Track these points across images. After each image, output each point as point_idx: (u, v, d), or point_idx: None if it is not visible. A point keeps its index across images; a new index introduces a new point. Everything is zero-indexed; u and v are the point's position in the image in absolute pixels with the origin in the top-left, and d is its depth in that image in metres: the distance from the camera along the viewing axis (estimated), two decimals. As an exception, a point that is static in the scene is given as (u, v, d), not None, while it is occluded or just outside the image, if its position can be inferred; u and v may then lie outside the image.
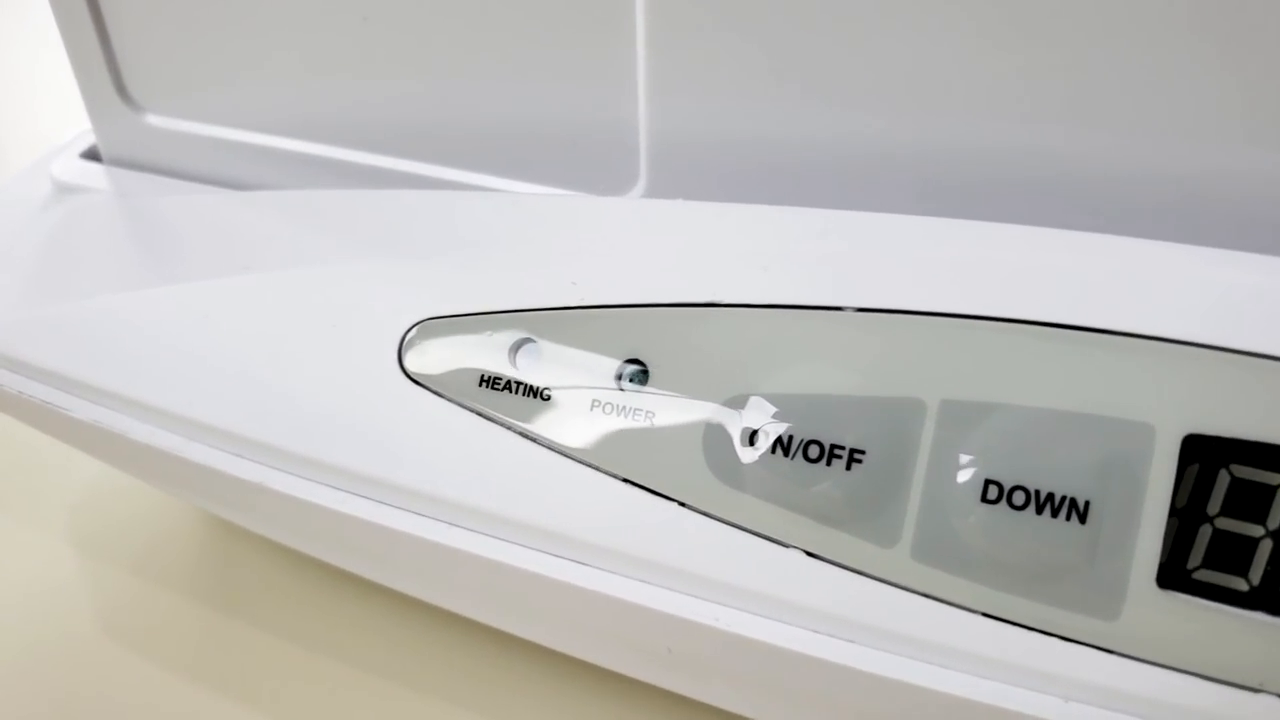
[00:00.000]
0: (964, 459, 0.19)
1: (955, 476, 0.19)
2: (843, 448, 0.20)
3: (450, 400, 0.22)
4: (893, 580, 0.19)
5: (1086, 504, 0.18)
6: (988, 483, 0.19)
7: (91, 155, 0.31)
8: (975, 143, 0.21)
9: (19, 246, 0.29)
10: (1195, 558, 0.18)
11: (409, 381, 0.23)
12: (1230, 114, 0.20)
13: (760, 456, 0.20)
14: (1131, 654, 0.18)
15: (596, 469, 0.21)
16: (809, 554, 0.20)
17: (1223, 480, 0.18)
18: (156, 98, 0.29)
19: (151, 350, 0.25)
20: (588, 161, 0.25)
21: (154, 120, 0.29)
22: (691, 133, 0.24)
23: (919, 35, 0.21)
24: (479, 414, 0.22)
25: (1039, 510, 0.18)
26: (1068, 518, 0.18)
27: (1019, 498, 0.18)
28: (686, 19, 0.22)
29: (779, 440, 0.20)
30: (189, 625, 0.30)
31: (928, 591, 0.19)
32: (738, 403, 0.20)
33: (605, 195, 0.25)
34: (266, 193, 0.27)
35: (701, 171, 0.24)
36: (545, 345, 0.22)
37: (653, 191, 0.25)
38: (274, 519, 0.26)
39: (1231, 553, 0.18)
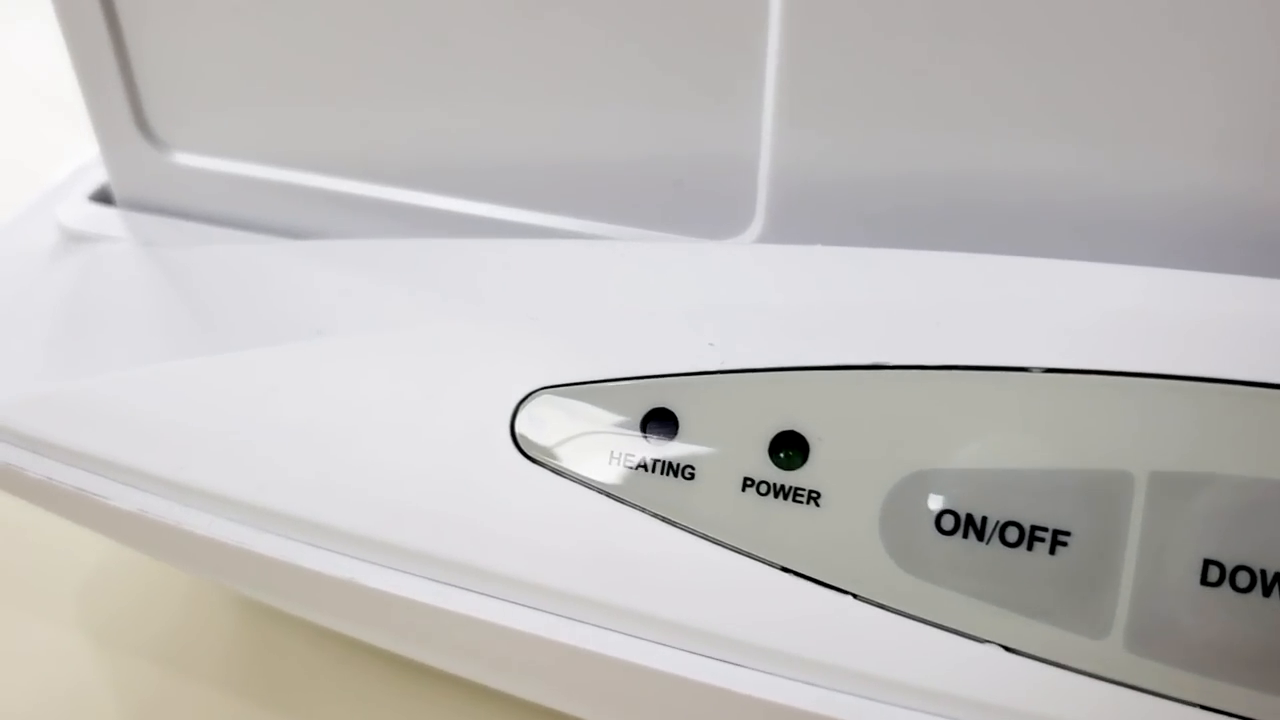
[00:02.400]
0: (1180, 538, 0.17)
1: (1171, 558, 0.17)
2: (1045, 529, 0.18)
3: (575, 480, 0.20)
4: (1105, 675, 0.18)
5: (1321, 584, 0.16)
6: (1207, 563, 0.17)
7: (102, 197, 0.28)
8: (1158, 183, 0.20)
9: (28, 305, 0.25)
10: None
11: (525, 459, 0.20)
12: None
13: (950, 541, 0.18)
14: (1372, 750, 0.16)
15: (752, 557, 0.19)
16: (1007, 649, 0.18)
17: None
18: (183, 132, 0.26)
19: (210, 428, 0.22)
20: (696, 201, 0.23)
21: (181, 158, 0.27)
22: (821, 169, 0.22)
23: (1104, 57, 0.19)
24: (609, 495, 0.20)
25: (1265, 593, 0.17)
26: (1300, 600, 0.17)
27: (1243, 579, 0.17)
28: (827, 44, 0.20)
29: (971, 522, 0.18)
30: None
31: (1145, 686, 0.17)
32: (919, 479, 0.19)
33: (715, 238, 0.23)
34: (333, 242, 0.24)
35: (827, 213, 0.22)
36: (683, 416, 0.20)
37: (770, 234, 0.23)
38: (357, 616, 0.23)
39: None
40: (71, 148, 0.33)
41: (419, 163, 0.24)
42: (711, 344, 0.20)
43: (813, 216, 0.22)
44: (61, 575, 0.31)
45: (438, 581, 0.21)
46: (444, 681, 0.27)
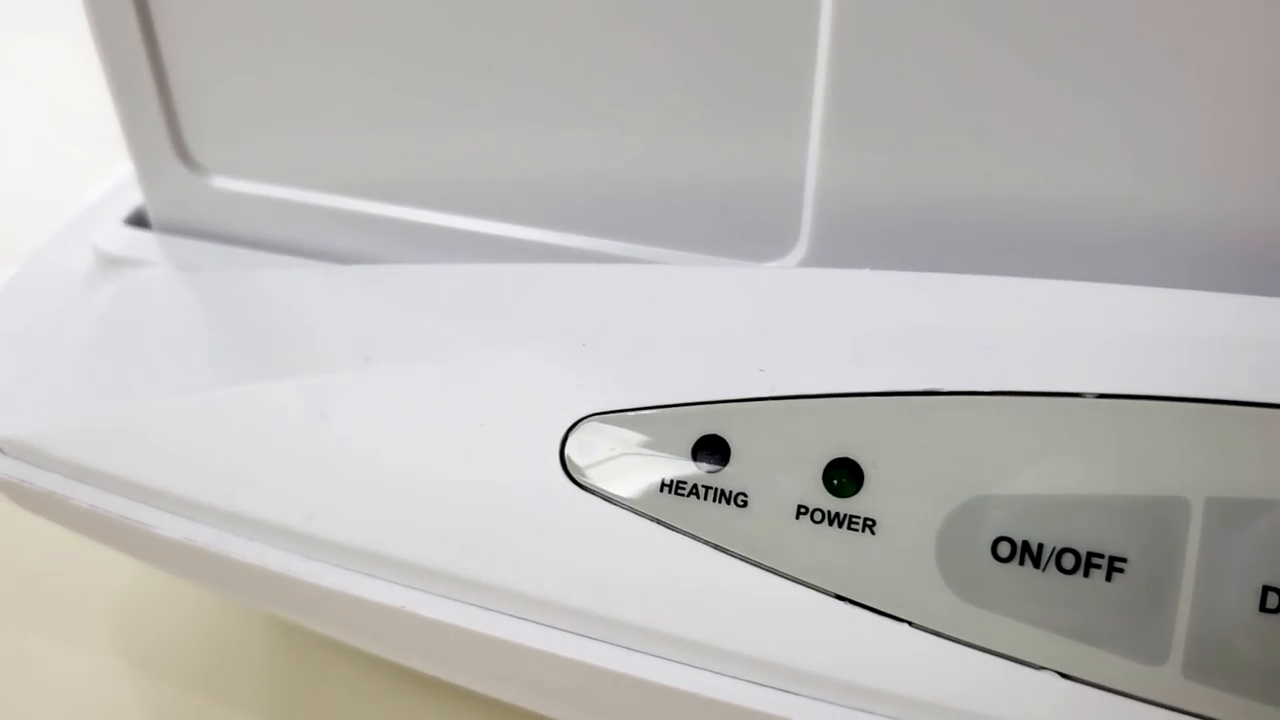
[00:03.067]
0: (1237, 564, 0.18)
1: (1228, 584, 0.18)
2: (1101, 556, 0.18)
3: (625, 507, 0.20)
4: (1163, 702, 0.18)
5: (1380, 610, 0.17)
6: (1266, 589, 0.17)
7: (138, 220, 0.28)
8: (1219, 206, 0.20)
9: (67, 331, 0.25)
10: None
11: (575, 487, 0.20)
12: None
13: (1007, 568, 0.18)
14: None
15: (806, 585, 0.19)
16: (1064, 675, 0.18)
17: None
18: (222, 157, 0.27)
19: (257, 456, 0.22)
20: (741, 224, 0.23)
21: (219, 183, 0.27)
22: (866, 192, 0.22)
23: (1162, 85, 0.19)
24: (662, 524, 0.20)
25: (1324, 619, 0.17)
26: (1359, 626, 0.17)
27: None
28: (875, 68, 0.20)
29: (1028, 549, 0.18)
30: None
31: (1202, 712, 0.18)
32: (975, 506, 0.19)
33: (757, 262, 0.23)
34: (378, 267, 0.24)
35: (872, 236, 0.22)
36: (736, 443, 0.20)
37: (815, 257, 0.23)
38: (409, 644, 0.23)
39: None
40: (95, 165, 0.33)
41: (462, 187, 0.24)
42: (762, 370, 0.20)
43: (857, 240, 0.22)
44: (97, 601, 0.31)
45: (489, 609, 0.21)
46: (485, 707, 0.27)
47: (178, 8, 0.24)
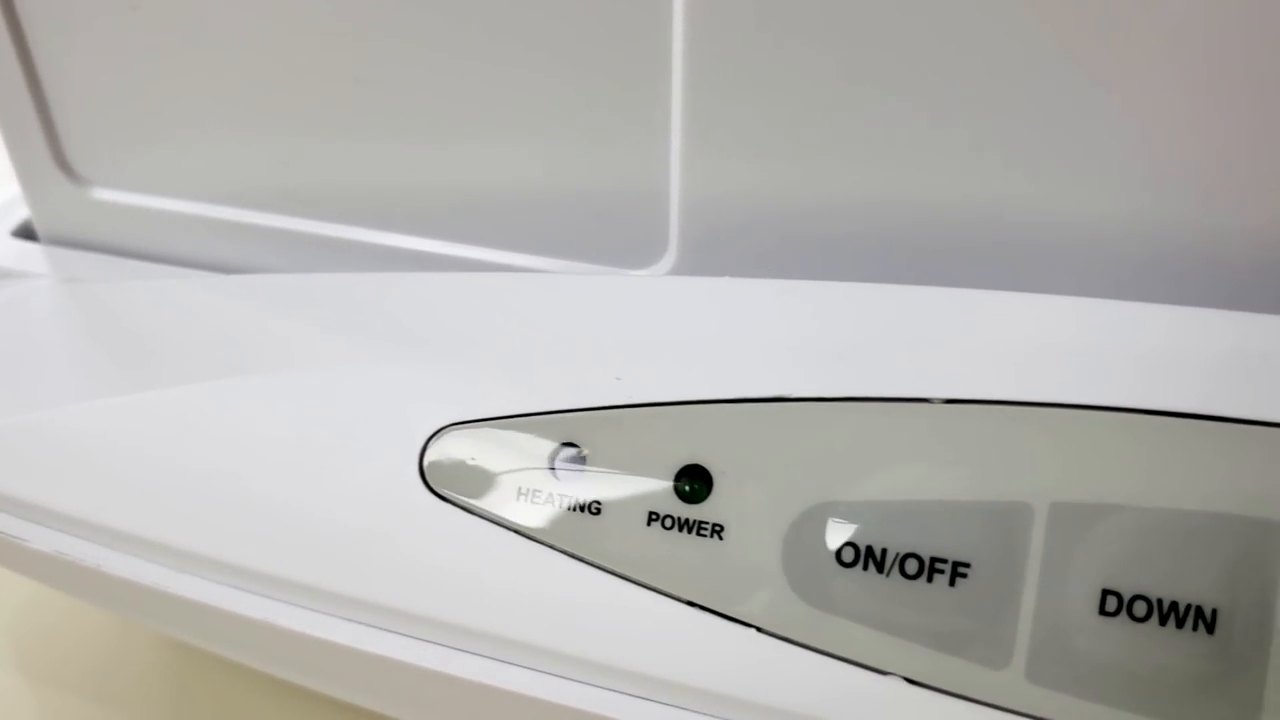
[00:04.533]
0: (1079, 568, 0.18)
1: (1070, 588, 0.18)
2: (945, 561, 0.18)
3: (482, 517, 0.20)
4: (1006, 706, 0.18)
5: (1214, 612, 0.17)
6: (1105, 593, 0.17)
7: (25, 233, 0.29)
8: (1068, 213, 0.20)
9: (-50, 344, 0.26)
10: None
11: (433, 496, 0.21)
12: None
13: (851, 573, 0.18)
14: (1274, 777, 0.17)
15: (657, 591, 0.19)
16: (910, 681, 0.18)
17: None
18: (103, 169, 0.27)
19: (125, 470, 0.22)
20: (610, 233, 0.23)
21: (101, 195, 0.27)
22: (730, 201, 0.22)
23: (1014, 90, 0.19)
24: (517, 532, 0.20)
25: (1163, 621, 0.17)
26: (1194, 628, 0.17)
27: (1140, 609, 0.17)
28: (728, 77, 0.20)
29: (871, 554, 0.18)
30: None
31: (1045, 715, 0.18)
32: (821, 512, 0.19)
33: (629, 269, 0.23)
34: (248, 278, 0.24)
35: (740, 244, 0.22)
36: (591, 451, 0.20)
37: (684, 265, 0.23)
38: (278, 656, 0.23)
39: None
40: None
41: (337, 196, 0.24)
42: (618, 378, 0.20)
43: (726, 248, 0.23)
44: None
45: (352, 621, 0.21)
46: (365, 717, 0.27)
47: (51, 23, 0.25)
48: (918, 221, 0.21)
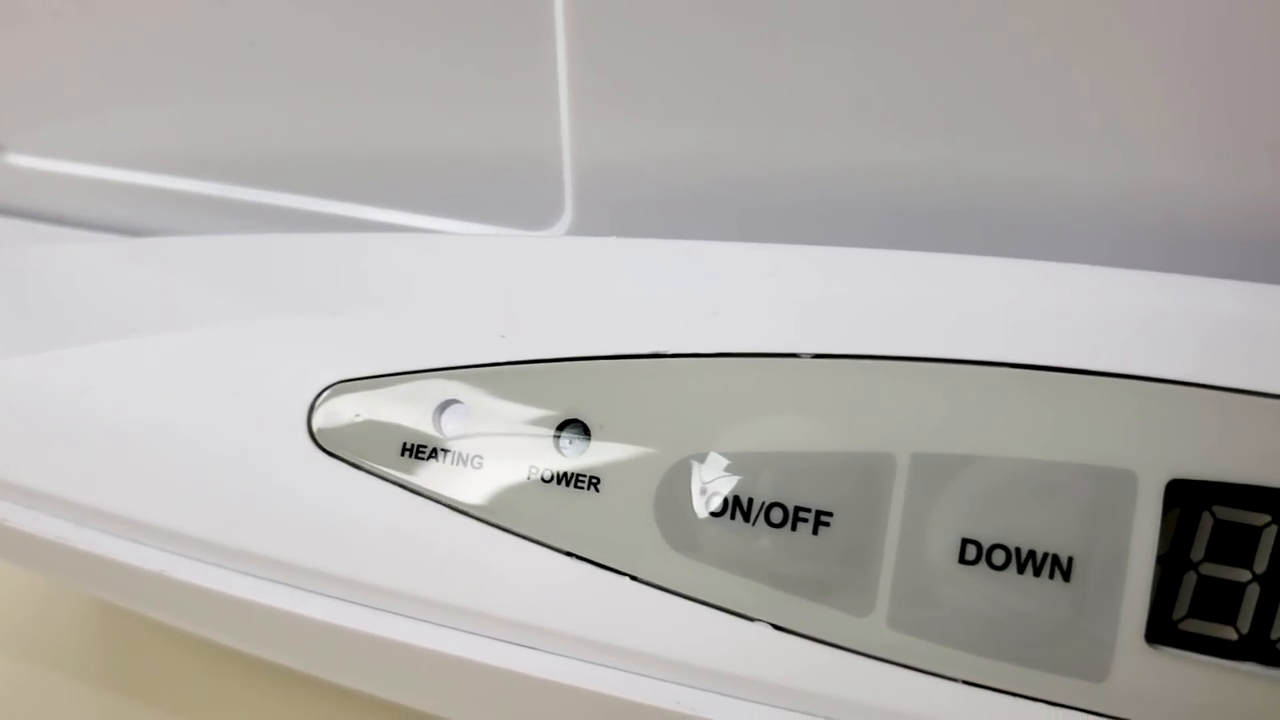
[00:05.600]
0: (939, 518, 0.18)
1: (930, 537, 0.18)
2: (808, 510, 0.19)
3: (368, 472, 0.21)
4: (869, 651, 0.18)
5: (1070, 560, 0.18)
6: (965, 542, 0.18)
7: (-57, 198, 0.29)
8: (944, 169, 0.21)
9: None
10: (1181, 607, 0.17)
11: (321, 453, 0.21)
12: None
13: (719, 522, 0.19)
14: (1121, 715, 0.17)
15: (537, 542, 0.20)
16: (776, 627, 0.19)
17: (1206, 524, 0.17)
18: (17, 134, 0.27)
19: (26, 427, 0.23)
20: (509, 194, 0.24)
21: (15, 160, 0.27)
22: (620, 161, 0.22)
23: (879, 50, 0.20)
24: (402, 486, 0.21)
25: (1020, 569, 0.18)
26: (1050, 575, 0.18)
27: (998, 557, 0.18)
28: (610, 40, 0.21)
29: (738, 504, 0.19)
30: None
31: (906, 661, 0.18)
32: (691, 464, 0.19)
33: (528, 230, 0.24)
34: (150, 240, 0.25)
35: (632, 203, 0.23)
36: (473, 407, 0.21)
37: (580, 225, 0.23)
38: (175, 608, 0.24)
39: (1218, 600, 0.17)
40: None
41: (241, 160, 0.25)
42: (503, 335, 0.21)
43: (622, 209, 0.23)
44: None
45: (246, 574, 0.21)
46: (302, 678, 0.27)
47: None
48: (803, 181, 0.22)
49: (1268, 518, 0.17)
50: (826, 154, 0.21)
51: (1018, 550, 0.18)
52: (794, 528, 0.19)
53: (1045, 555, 0.18)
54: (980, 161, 0.21)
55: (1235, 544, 0.17)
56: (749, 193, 0.22)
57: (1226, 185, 0.20)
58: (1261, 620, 0.17)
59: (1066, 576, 0.17)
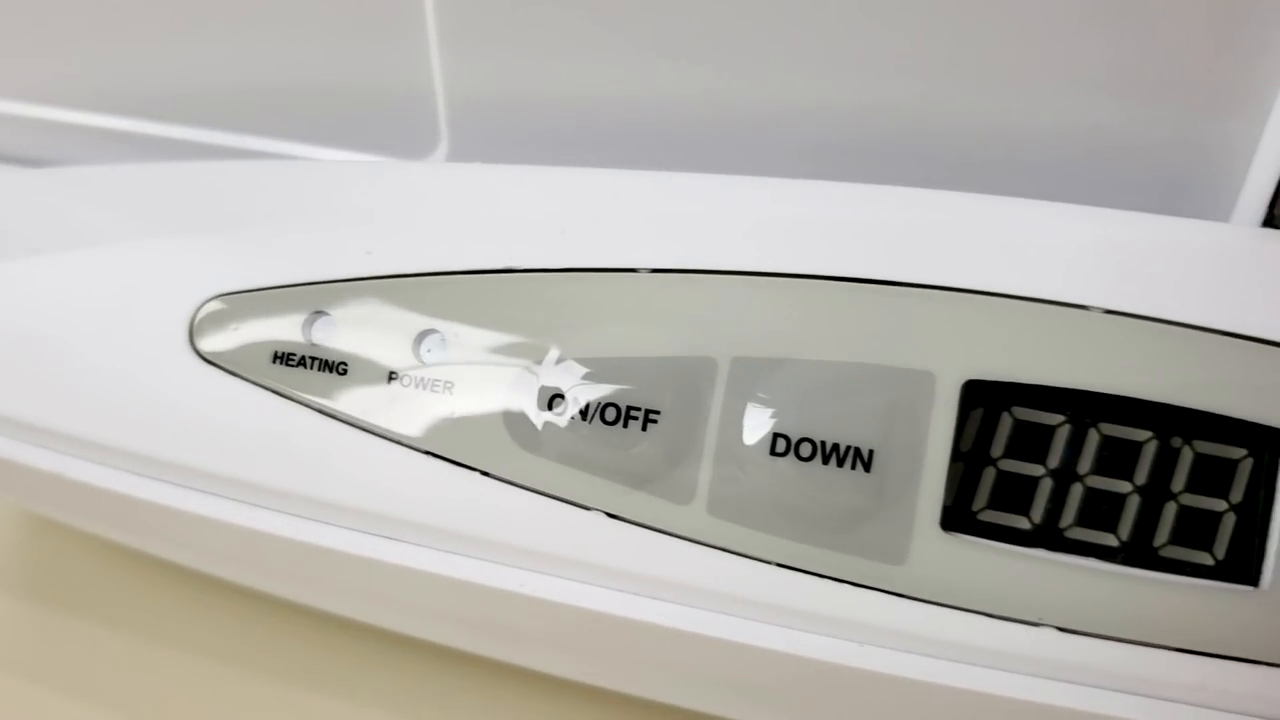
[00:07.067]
0: (754, 415, 0.20)
1: (746, 432, 0.20)
2: (638, 409, 0.20)
3: (244, 379, 0.23)
4: (690, 536, 0.20)
5: (871, 452, 0.19)
6: (776, 436, 0.20)
7: None
8: (778, 99, 0.22)
9: None
10: (980, 500, 0.19)
11: (201, 361, 0.23)
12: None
13: (559, 421, 0.21)
14: (919, 596, 0.19)
15: (397, 442, 0.22)
16: (610, 515, 0.21)
17: (1005, 423, 0.19)
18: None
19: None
20: (388, 125, 0.25)
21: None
22: (490, 92, 0.24)
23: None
24: (274, 391, 0.22)
25: (825, 461, 0.19)
26: (853, 466, 0.19)
27: (806, 449, 0.20)
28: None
29: (576, 404, 0.21)
30: (16, 624, 0.29)
31: (724, 545, 0.20)
32: (535, 369, 0.21)
33: (407, 159, 0.26)
34: (44, 170, 0.26)
35: (504, 132, 0.24)
36: (340, 318, 0.22)
37: (455, 154, 0.25)
38: (73, 508, 0.26)
39: (1014, 493, 0.19)
40: None
41: (132, 92, 0.26)
42: (369, 252, 0.23)
43: (495, 138, 0.25)
44: None
45: (135, 474, 0.23)
46: (205, 578, 0.29)
47: None
48: (664, 110, 0.24)
49: (1061, 417, 0.19)
50: (685, 86, 0.23)
51: (823, 443, 0.19)
52: (625, 425, 0.20)
53: (848, 448, 0.19)
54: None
55: (1031, 441, 0.19)
56: (616, 120, 0.24)
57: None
58: (1053, 511, 0.19)
59: (868, 467, 0.19)
